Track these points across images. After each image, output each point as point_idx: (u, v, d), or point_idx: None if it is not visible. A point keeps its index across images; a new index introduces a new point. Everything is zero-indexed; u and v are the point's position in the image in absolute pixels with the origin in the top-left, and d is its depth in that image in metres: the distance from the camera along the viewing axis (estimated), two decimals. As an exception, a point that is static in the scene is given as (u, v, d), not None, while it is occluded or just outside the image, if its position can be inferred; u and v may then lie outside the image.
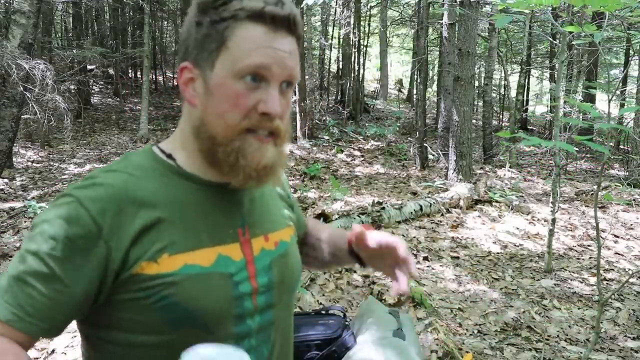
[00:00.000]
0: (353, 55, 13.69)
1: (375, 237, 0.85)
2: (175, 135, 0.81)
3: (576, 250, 4.44)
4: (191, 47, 0.75)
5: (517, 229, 4.97)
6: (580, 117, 9.71)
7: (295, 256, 0.89)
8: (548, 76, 15.58)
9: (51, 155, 8.54)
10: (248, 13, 0.70)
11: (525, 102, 15.11)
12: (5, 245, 4.12)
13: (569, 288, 3.57)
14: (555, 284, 3.62)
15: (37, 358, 2.36)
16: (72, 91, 10.89)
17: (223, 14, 0.71)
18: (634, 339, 2.85)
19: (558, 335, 2.85)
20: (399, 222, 4.79)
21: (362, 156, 9.36)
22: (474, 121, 9.05)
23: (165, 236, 0.71)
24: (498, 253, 4.26)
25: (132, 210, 0.70)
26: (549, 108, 13.95)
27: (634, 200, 6.15)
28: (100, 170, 0.75)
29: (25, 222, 4.70)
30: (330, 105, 14.57)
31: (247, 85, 0.71)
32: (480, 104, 13.64)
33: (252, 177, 0.74)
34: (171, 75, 16.54)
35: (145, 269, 0.69)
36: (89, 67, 12.49)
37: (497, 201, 5.78)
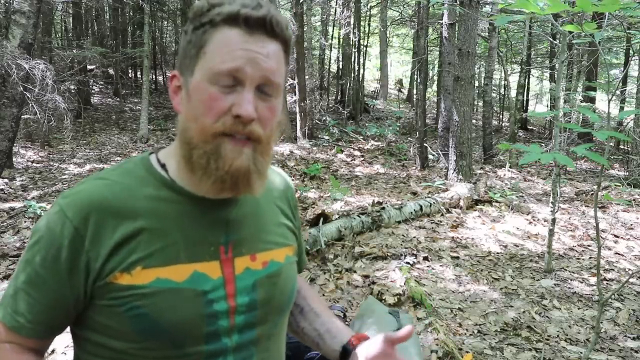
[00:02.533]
0: (353, 55, 13.69)
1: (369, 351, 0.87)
2: (172, 144, 0.82)
3: (576, 250, 4.44)
4: (180, 55, 0.77)
5: (517, 229, 4.97)
6: (580, 117, 9.70)
7: (287, 277, 0.86)
8: (548, 76, 15.59)
9: (51, 155, 8.54)
10: (223, 17, 0.71)
11: (525, 102, 15.12)
12: (6, 246, 4.11)
13: (569, 288, 3.57)
14: (555, 284, 3.62)
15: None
16: (72, 91, 10.89)
17: (202, 20, 0.72)
18: (634, 339, 2.85)
19: (558, 335, 2.85)
20: (399, 222, 4.79)
21: (362, 156, 9.36)
22: (474, 121, 9.05)
23: (142, 248, 0.73)
24: (498, 253, 4.26)
25: (114, 221, 0.72)
26: (549, 108, 13.95)
27: (634, 200, 6.15)
28: (91, 177, 0.78)
29: (25, 222, 4.70)
30: (330, 105, 14.57)
31: (221, 89, 0.71)
32: (480, 104, 13.64)
33: (224, 181, 0.72)
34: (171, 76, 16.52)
35: (119, 279, 0.71)
36: (89, 67, 12.49)
37: (497, 201, 5.78)
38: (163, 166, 0.79)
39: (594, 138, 10.35)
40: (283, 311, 0.86)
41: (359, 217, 4.50)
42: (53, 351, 2.41)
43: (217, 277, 0.76)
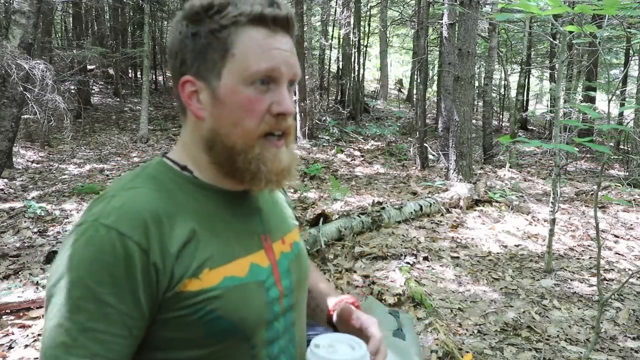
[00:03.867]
0: (353, 55, 13.69)
1: (360, 319, 0.89)
2: (181, 148, 0.79)
3: (576, 250, 4.44)
4: (189, 59, 0.73)
5: (517, 229, 4.97)
6: (581, 117, 9.70)
7: (305, 254, 0.91)
8: (548, 76, 15.59)
9: (51, 155, 8.54)
10: (249, 17, 0.70)
11: (525, 102, 15.12)
12: (6, 246, 4.11)
13: (569, 288, 3.57)
14: (555, 284, 3.62)
15: None
16: (72, 91, 10.90)
17: (222, 22, 0.71)
18: (634, 339, 2.85)
19: (558, 335, 2.85)
20: (399, 222, 4.79)
21: (362, 156, 9.36)
22: (474, 121, 9.05)
23: (202, 250, 0.71)
24: (498, 253, 4.26)
25: (169, 228, 0.69)
26: (548, 108, 13.96)
27: (634, 200, 6.15)
28: (119, 189, 0.71)
29: (25, 222, 4.70)
30: (330, 105, 14.57)
31: (258, 90, 0.72)
32: (480, 104, 13.64)
33: (272, 181, 0.75)
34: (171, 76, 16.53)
35: (189, 285, 0.68)
36: (89, 67, 12.50)
37: (497, 201, 5.78)
38: (184, 168, 0.78)
39: (594, 137, 10.35)
40: (306, 288, 0.90)
41: (359, 217, 4.49)
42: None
43: (267, 266, 0.78)
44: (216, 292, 0.70)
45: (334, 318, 0.95)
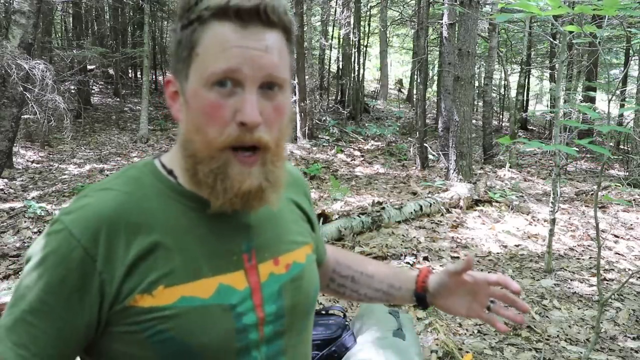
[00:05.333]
0: (353, 55, 13.70)
1: (471, 276, 0.88)
2: (173, 151, 0.74)
3: (576, 250, 4.44)
4: (172, 58, 0.69)
5: (517, 229, 4.97)
6: (581, 117, 9.70)
7: (310, 278, 0.80)
8: (548, 76, 15.59)
9: (51, 155, 8.54)
10: (212, 11, 0.63)
11: (525, 102, 15.12)
12: (6, 246, 4.12)
13: (569, 288, 3.57)
14: (555, 284, 3.62)
15: None
16: (72, 91, 10.91)
17: (190, 17, 0.64)
18: (634, 339, 2.85)
19: (558, 335, 2.85)
20: (399, 222, 4.79)
21: (362, 156, 9.36)
22: (474, 121, 9.05)
23: (161, 265, 0.65)
24: (498, 253, 4.26)
25: (126, 236, 0.64)
26: (548, 108, 13.95)
27: (634, 200, 6.15)
28: (94, 188, 0.68)
29: (25, 222, 4.71)
30: (330, 105, 14.57)
31: (220, 94, 0.63)
32: (480, 104, 13.64)
33: (234, 202, 0.67)
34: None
35: (139, 301, 0.64)
36: (89, 67, 12.49)
37: (497, 201, 5.78)
38: (170, 172, 0.72)
39: (594, 138, 10.35)
40: (308, 314, 0.81)
41: (359, 217, 4.49)
42: None
43: (243, 288, 0.70)
44: (170, 312, 0.64)
45: (432, 289, 0.91)
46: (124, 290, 0.64)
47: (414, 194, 6.27)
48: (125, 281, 0.64)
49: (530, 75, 16.18)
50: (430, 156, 8.65)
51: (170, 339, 0.64)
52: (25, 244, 4.17)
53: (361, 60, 14.13)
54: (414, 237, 4.45)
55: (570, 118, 8.79)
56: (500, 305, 0.91)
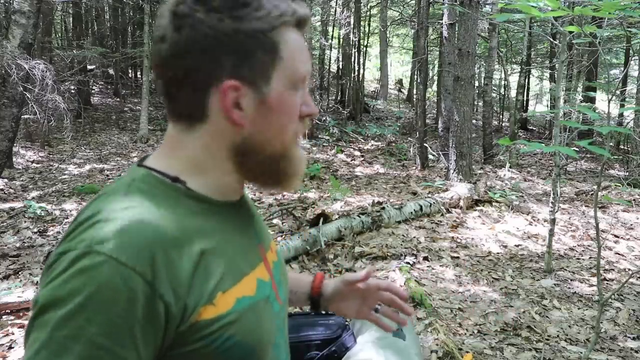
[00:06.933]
0: (353, 55, 13.70)
1: (365, 283, 0.97)
2: (172, 157, 0.69)
3: (576, 250, 4.44)
4: (230, 60, 0.63)
5: (517, 229, 4.97)
6: (580, 117, 9.70)
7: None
8: (548, 76, 15.59)
9: (51, 155, 8.54)
10: (297, 19, 0.68)
11: (525, 102, 15.12)
12: (6, 246, 4.11)
13: (569, 288, 3.57)
14: (555, 284, 3.62)
15: None
16: (72, 91, 10.91)
17: (273, 22, 0.64)
18: (634, 339, 2.85)
19: (558, 335, 2.85)
20: (399, 222, 4.79)
21: (362, 156, 9.36)
22: (474, 121, 9.05)
23: (213, 271, 0.64)
24: (498, 253, 4.26)
25: (177, 252, 0.60)
26: (548, 108, 13.95)
27: (634, 200, 6.15)
28: (114, 210, 0.60)
29: (25, 222, 4.70)
30: (330, 105, 14.57)
31: (299, 94, 0.70)
32: (480, 104, 13.64)
33: (296, 185, 0.75)
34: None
35: (204, 314, 0.61)
36: (89, 67, 12.49)
37: (497, 201, 5.78)
38: (176, 179, 0.68)
39: (594, 138, 10.36)
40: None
41: (359, 217, 4.49)
42: None
43: (268, 279, 0.74)
44: (231, 317, 0.64)
45: (326, 293, 0.98)
46: (189, 306, 0.60)
47: (414, 194, 6.27)
48: (189, 298, 0.60)
49: (530, 75, 16.18)
50: (430, 156, 8.64)
51: (236, 344, 0.64)
52: (25, 244, 4.17)
53: (361, 60, 14.12)
54: (414, 237, 4.45)
55: (570, 118, 8.79)
56: (386, 308, 1.01)
